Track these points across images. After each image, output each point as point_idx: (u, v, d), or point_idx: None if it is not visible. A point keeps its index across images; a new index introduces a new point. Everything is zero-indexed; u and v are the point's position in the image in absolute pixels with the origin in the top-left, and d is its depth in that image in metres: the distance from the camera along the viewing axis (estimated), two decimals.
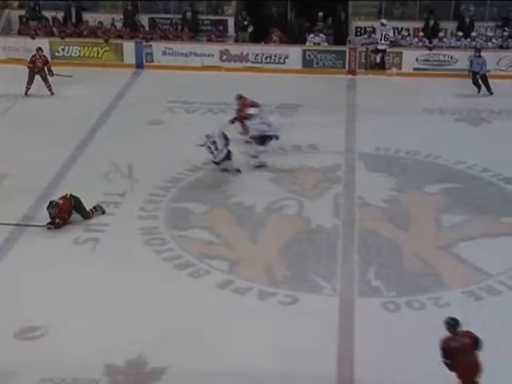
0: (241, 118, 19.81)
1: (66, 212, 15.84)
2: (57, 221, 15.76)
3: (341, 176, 18.34)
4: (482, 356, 11.04)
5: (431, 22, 26.41)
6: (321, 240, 15.67)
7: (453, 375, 11.03)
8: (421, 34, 26.14)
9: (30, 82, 23.11)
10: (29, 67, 23.14)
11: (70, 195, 16.14)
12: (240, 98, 20.20)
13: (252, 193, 17.44)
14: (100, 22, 27.32)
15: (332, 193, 17.51)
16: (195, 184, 17.82)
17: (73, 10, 27.51)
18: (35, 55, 23.38)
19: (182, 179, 17.86)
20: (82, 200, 16.17)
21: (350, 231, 15.99)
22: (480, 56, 23.37)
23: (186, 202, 16.87)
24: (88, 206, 16.20)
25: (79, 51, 26.13)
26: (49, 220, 15.79)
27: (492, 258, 14.98)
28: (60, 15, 27.59)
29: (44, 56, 23.51)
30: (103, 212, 16.39)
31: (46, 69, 23.17)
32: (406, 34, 26.41)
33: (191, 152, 18.53)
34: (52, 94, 23.11)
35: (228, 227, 16.03)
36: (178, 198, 17.13)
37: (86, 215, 16.20)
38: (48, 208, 15.79)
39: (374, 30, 26.23)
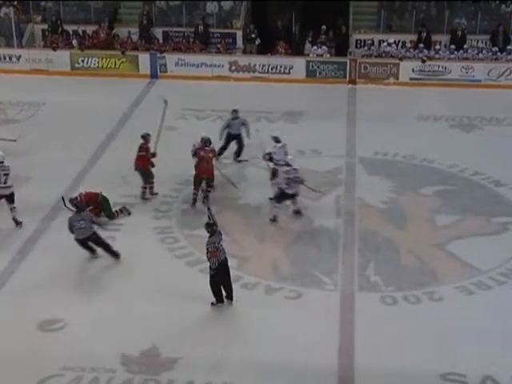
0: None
1: (82, 202, 15.49)
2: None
3: (342, 179, 18.35)
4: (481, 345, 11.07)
5: (424, 34, 26.42)
6: (323, 238, 15.68)
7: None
8: (408, 45, 26.20)
9: None
10: None
11: (101, 192, 16.21)
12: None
13: (259, 194, 17.43)
14: (116, 35, 27.37)
15: (333, 194, 17.51)
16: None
17: (104, 25, 27.53)
18: None
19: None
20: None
21: (350, 230, 15.99)
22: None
23: (196, 203, 16.86)
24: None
25: (97, 62, 26.16)
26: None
27: (483, 255, 14.98)
28: (81, 29, 27.62)
29: None
30: (129, 214, 16.42)
31: None
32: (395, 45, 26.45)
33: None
34: None
35: (236, 226, 16.03)
36: (190, 200, 17.09)
37: (111, 215, 16.24)
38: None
39: (372, 43, 26.32)
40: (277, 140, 17.47)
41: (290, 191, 16.16)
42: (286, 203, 16.44)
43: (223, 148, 18.98)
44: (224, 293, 13.42)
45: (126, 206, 16.60)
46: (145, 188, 17.16)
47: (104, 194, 16.30)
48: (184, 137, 19.94)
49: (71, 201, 15.25)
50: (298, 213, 16.55)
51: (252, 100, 23.33)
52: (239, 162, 19.11)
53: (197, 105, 20.76)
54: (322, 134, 20.72)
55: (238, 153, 19.21)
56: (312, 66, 25.66)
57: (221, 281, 13.30)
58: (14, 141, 18.43)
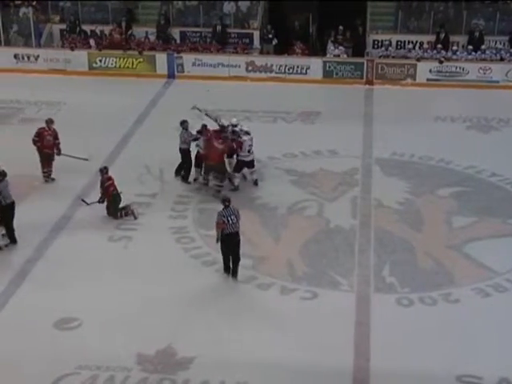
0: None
1: (104, 184, 16.07)
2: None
3: (358, 179, 18.30)
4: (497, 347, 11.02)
5: (442, 35, 26.32)
6: (339, 239, 15.65)
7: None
8: (425, 46, 26.13)
9: (46, 164, 17.80)
10: (36, 146, 17.67)
11: (115, 187, 16.27)
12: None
13: (275, 195, 17.44)
14: (133, 35, 27.43)
15: (350, 195, 17.48)
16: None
17: (123, 24, 27.59)
18: (43, 129, 17.84)
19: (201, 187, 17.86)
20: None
21: (366, 231, 15.95)
22: None
23: (213, 203, 16.82)
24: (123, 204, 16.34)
25: (115, 62, 26.23)
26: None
27: (499, 257, 14.91)
28: (98, 29, 27.70)
29: (54, 130, 17.90)
30: (135, 218, 16.26)
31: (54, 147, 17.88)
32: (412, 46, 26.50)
33: None
34: (48, 181, 17.82)
35: (252, 227, 15.99)
36: (206, 199, 17.13)
37: (113, 215, 16.24)
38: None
39: (390, 44, 26.28)
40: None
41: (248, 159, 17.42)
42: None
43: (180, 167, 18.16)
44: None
45: (135, 208, 16.45)
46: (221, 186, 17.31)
47: (120, 193, 16.33)
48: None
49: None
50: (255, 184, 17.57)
51: (269, 100, 23.33)
52: (187, 182, 17.97)
53: (213, 105, 20.71)
54: (339, 134, 20.68)
55: (184, 172, 18.01)
56: (329, 67, 25.62)
57: (227, 252, 14.03)
58: (86, 160, 18.01)
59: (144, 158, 18.90)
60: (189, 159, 17.93)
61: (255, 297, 13.67)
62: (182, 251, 15.17)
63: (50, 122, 17.93)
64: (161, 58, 26.10)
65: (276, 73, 25.81)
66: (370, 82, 25.36)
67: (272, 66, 25.80)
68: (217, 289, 13.80)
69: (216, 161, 17.22)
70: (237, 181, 17.56)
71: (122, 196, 16.37)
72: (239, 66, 25.90)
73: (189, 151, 17.87)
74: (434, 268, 14.63)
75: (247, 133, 17.66)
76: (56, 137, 17.81)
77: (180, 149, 17.89)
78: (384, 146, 19.95)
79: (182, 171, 18.04)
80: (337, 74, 25.59)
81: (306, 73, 25.67)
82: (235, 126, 17.87)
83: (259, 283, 14.10)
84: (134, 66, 26.19)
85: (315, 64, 25.65)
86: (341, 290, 13.98)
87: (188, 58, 26.04)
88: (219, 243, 14.03)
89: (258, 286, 14.01)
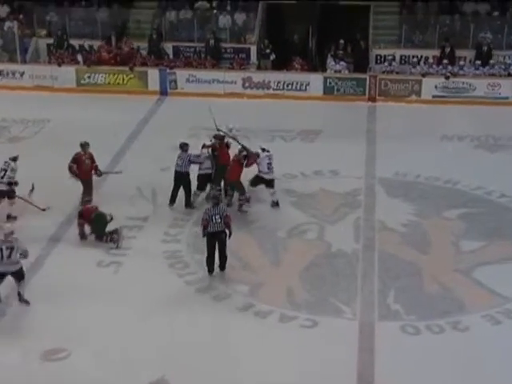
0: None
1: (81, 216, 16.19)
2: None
3: (361, 201, 18.35)
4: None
5: (447, 50, 26.47)
6: (341, 264, 15.64)
7: None
8: (431, 61, 26.36)
9: (88, 191, 17.64)
10: (75, 174, 17.64)
11: (96, 208, 16.37)
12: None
13: (274, 217, 17.48)
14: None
15: (352, 217, 17.51)
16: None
17: (112, 39, 27.77)
18: (80, 154, 17.83)
19: (205, 204, 17.87)
20: (109, 223, 16.36)
21: (369, 255, 15.95)
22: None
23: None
24: (112, 228, 16.34)
25: (104, 78, 26.33)
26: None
27: (510, 282, 14.89)
28: (87, 43, 27.84)
29: (90, 153, 17.97)
30: (117, 247, 16.09)
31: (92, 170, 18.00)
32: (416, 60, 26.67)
33: None
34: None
35: (250, 251, 16.03)
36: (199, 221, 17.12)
37: (98, 238, 16.24)
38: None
39: (394, 58, 26.40)
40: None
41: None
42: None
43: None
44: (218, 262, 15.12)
45: (122, 236, 16.30)
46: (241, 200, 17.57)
47: (106, 212, 16.36)
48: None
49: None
50: (276, 204, 17.79)
51: (266, 118, 23.43)
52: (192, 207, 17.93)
53: (209, 123, 20.79)
54: (340, 153, 20.73)
55: (185, 197, 17.98)
56: (330, 83, 25.75)
57: (211, 250, 14.97)
58: (120, 173, 18.33)
59: (136, 178, 18.92)
60: (188, 183, 17.90)
61: (253, 325, 13.64)
62: (176, 277, 15.16)
63: (85, 145, 17.89)
64: (153, 74, 26.24)
65: (274, 89, 25.96)
66: (372, 99, 25.50)
67: (270, 82, 25.94)
68: (212, 317, 13.78)
69: (234, 178, 17.62)
70: (247, 195, 17.75)
71: (111, 216, 16.44)
72: (235, 83, 26.05)
73: (188, 174, 17.86)
74: (442, 294, 14.62)
75: (265, 150, 17.93)
76: (93, 160, 17.90)
77: (177, 172, 17.83)
78: (387, 165, 20.02)
79: (180, 197, 18.03)
80: (338, 90, 25.72)
81: (306, 89, 25.82)
82: (231, 129, 18.58)
83: (257, 311, 14.07)
84: (125, 83, 26.32)
85: (315, 80, 25.81)
86: (343, 317, 13.95)
87: (181, 74, 26.19)
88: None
89: (256, 314, 13.98)
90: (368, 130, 22.97)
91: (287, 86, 25.87)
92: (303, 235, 16.80)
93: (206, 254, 15.09)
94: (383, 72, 26.24)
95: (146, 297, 14.35)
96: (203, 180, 17.97)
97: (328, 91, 25.76)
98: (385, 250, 16.10)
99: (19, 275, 13.99)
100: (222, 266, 15.17)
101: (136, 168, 19.48)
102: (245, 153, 17.79)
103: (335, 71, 26.35)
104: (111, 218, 16.43)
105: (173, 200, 17.94)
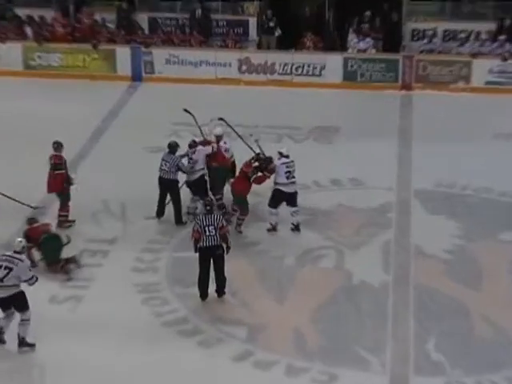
0: None
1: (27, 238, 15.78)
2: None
3: (391, 219, 18.45)
4: None
5: (506, 23, 26.49)
6: (366, 300, 15.64)
7: None
8: (483, 37, 26.41)
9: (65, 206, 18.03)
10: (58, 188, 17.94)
11: (48, 227, 16.51)
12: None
13: (279, 239, 17.55)
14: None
15: (380, 240, 17.58)
16: None
17: (71, 8, 27.89)
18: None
19: (190, 222, 17.87)
20: (65, 247, 16.38)
21: (403, 289, 15.97)
22: None
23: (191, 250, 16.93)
24: (69, 254, 16.38)
25: (60, 59, 26.39)
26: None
27: None
28: (36, 13, 27.85)
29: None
30: (69, 278, 16.14)
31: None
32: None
33: None
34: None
35: (248, 283, 16.07)
36: (185, 246, 17.09)
37: (50, 266, 16.29)
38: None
39: (435, 34, 26.45)
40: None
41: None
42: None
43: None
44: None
45: (77, 265, 16.44)
46: None
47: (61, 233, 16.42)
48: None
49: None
50: (297, 229, 17.86)
51: (270, 112, 23.51)
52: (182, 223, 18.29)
53: (198, 116, 20.81)
54: (365, 158, 20.88)
55: (174, 211, 18.29)
56: (351, 66, 25.89)
57: (204, 268, 15.35)
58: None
59: (101, 189, 18.96)
60: (177, 194, 18.12)
61: (252, 379, 13.67)
62: (152, 316, 15.16)
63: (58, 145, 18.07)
64: (123, 54, 26.39)
65: (280, 74, 26.09)
66: (407, 87, 25.62)
67: (274, 65, 26.08)
68: (200, 369, 13.78)
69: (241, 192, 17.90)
70: (274, 219, 17.80)
71: (69, 238, 16.51)
72: (230, 65, 26.19)
73: (176, 183, 18.06)
74: (496, 339, 14.62)
75: (282, 155, 17.88)
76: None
77: (162, 179, 18.02)
78: (426, 173, 20.11)
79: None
80: (362, 75, 25.85)
81: (321, 74, 25.97)
82: (219, 136, 18.61)
83: (257, 360, 14.10)
84: (86, 65, 26.40)
85: (333, 62, 26.00)
86: (369, 370, 13.96)
87: (160, 54, 26.33)
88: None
89: (256, 365, 14.00)
90: (401, 127, 23.10)
91: (296, 69, 26.01)
92: (317, 263, 16.85)
93: (198, 275, 15.33)
94: (421, 52, 26.31)
95: (111, 343, 14.36)
96: (200, 184, 18.22)
97: (349, 77, 25.93)
98: (423, 283, 16.12)
99: (15, 304, 14.08)
100: (220, 291, 15.52)
101: (101, 176, 19.51)
102: (258, 164, 17.88)
103: (359, 51, 26.45)
104: (68, 241, 16.46)
105: (160, 212, 18.25)
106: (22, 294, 14.00)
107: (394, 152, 21.44)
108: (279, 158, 17.81)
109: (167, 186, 17.97)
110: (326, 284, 16.16)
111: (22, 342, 14.04)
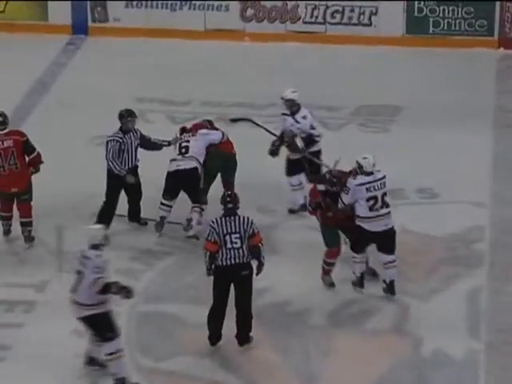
0: None
1: None
2: None
3: (483, 252, 18.44)
4: None
5: None
6: (443, 379, 15.62)
7: None
8: None
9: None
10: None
11: None
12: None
13: (302, 280, 17.59)
14: None
15: (466, 285, 17.56)
16: (191, 263, 17.94)
17: None
18: None
19: (164, 254, 18.15)
20: None
21: (501, 365, 15.92)
22: None
23: (170, 301, 16.99)
24: None
25: None
26: None
27: None
28: None
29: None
30: None
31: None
32: None
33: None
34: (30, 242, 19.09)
35: (253, 350, 16.04)
36: (155, 294, 17.27)
37: None
38: None
39: None
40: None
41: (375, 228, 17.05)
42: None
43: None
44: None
45: None
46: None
47: None
48: (141, 157, 20.06)
49: None
50: (374, 274, 17.62)
51: (290, 82, 23.43)
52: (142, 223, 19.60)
53: (170, 90, 20.72)
54: (442, 155, 21.01)
55: (132, 210, 19.56)
56: (419, 11, 25.87)
57: (220, 300, 15.57)
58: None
59: None
60: (138, 185, 19.11)
61: None
62: None
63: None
64: None
65: (305, 23, 26.09)
66: (508, 43, 25.59)
67: (297, 8, 26.07)
68: None
69: None
70: (358, 268, 17.51)
71: None
72: (227, 9, 26.17)
73: (134, 169, 18.90)
74: None
75: (362, 169, 17.22)
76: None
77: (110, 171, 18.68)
78: None
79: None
80: (437, 25, 25.83)
81: (371, 23, 25.93)
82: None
83: None
84: (2, 9, 26.49)
85: (390, 5, 25.98)
86: None
87: None
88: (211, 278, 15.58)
89: None
90: (499, 107, 23.14)
91: (332, 15, 26.03)
92: (363, 322, 16.83)
93: (210, 307, 15.63)
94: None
95: None
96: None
97: (415, 28, 25.97)
98: None
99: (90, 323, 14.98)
100: (244, 335, 15.78)
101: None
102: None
103: None
104: None
105: (132, 217, 19.30)
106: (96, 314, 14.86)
107: (486, 147, 21.57)
108: (355, 176, 17.25)
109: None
110: (378, 354, 16.10)
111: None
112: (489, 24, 25.65)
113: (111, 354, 14.75)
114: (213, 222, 15.50)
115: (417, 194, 19.89)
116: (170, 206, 18.94)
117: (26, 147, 18.47)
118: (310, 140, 19.23)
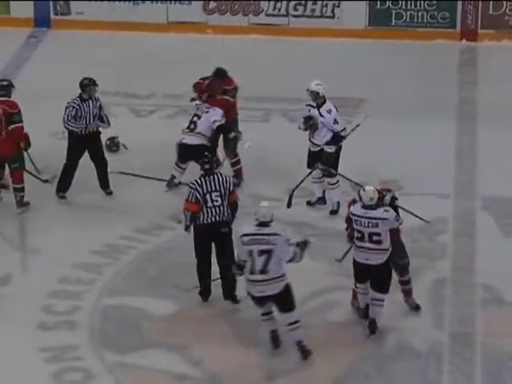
0: None
1: None
2: None
3: (446, 244, 18.56)
4: None
5: None
6: (407, 373, 15.64)
7: None
8: None
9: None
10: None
11: None
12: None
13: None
14: None
15: (429, 277, 17.66)
16: (156, 258, 18.04)
17: None
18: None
19: (129, 249, 18.16)
20: None
21: (464, 355, 15.99)
22: None
23: (133, 295, 16.98)
24: None
25: None
26: None
27: None
28: None
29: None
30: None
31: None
32: None
33: (150, 190, 18.96)
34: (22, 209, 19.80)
35: (217, 345, 16.08)
36: (119, 288, 17.30)
37: None
38: None
39: None
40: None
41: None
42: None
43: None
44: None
45: None
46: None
47: None
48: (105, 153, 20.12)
49: None
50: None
51: (252, 75, 23.50)
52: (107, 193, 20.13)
53: (133, 84, 20.73)
54: (406, 147, 21.13)
55: (102, 178, 20.10)
56: (382, 3, 25.93)
57: (203, 255, 16.33)
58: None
59: None
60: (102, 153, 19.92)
61: None
62: None
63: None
64: None
65: (268, 15, 26.13)
66: (470, 35, 25.66)
67: (260, 0, 26.13)
68: None
69: None
70: (361, 300, 16.92)
71: None
72: (189, 2, 26.16)
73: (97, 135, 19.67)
74: None
75: (361, 199, 16.60)
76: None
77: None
78: (503, 172, 20.31)
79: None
80: (399, 17, 25.90)
81: (334, 15, 25.99)
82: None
83: None
84: None
85: None
86: None
87: None
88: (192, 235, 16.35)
89: None
90: (461, 98, 23.21)
91: (295, 8, 26.06)
92: (326, 314, 16.92)
93: (196, 265, 16.43)
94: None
95: None
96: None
97: (378, 20, 26.01)
98: (495, 346, 16.13)
99: (281, 301, 15.44)
100: (228, 290, 16.55)
101: None
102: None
103: None
104: None
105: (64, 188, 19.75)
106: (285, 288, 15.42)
107: (449, 138, 21.67)
108: (354, 203, 16.68)
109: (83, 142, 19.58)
110: (341, 349, 16.20)
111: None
112: (451, 16, 25.76)
113: (295, 322, 15.44)
114: (192, 183, 16.02)
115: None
116: (183, 169, 19.69)
117: (12, 119, 19.04)
118: (338, 137, 19.61)
